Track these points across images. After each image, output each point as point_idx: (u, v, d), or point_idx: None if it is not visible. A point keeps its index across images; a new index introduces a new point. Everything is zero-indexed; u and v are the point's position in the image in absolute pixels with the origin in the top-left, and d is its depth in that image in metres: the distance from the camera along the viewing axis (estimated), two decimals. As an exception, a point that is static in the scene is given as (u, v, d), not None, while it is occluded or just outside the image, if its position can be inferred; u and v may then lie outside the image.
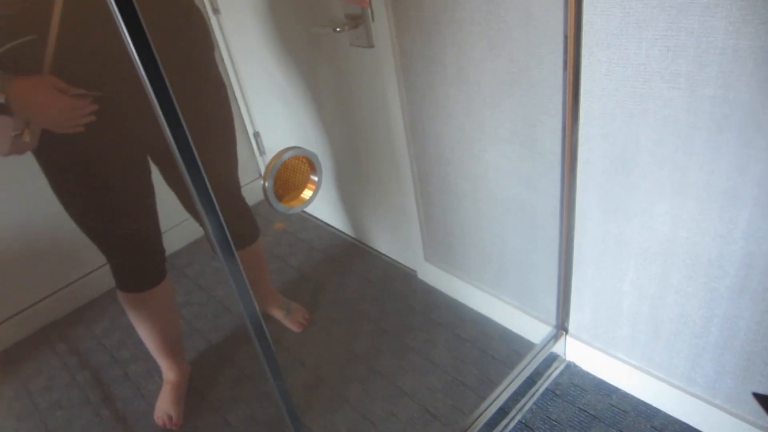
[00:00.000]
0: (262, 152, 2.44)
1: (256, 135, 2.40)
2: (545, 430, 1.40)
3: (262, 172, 2.53)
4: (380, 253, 2.13)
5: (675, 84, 0.98)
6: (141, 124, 1.21)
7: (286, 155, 0.87)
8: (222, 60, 2.21)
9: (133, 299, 1.44)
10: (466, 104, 1.37)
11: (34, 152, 1.16)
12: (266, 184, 0.87)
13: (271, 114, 2.22)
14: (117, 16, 0.56)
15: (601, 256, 1.31)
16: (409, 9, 1.35)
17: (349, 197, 2.11)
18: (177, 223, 2.20)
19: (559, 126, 1.20)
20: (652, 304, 1.27)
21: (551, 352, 1.58)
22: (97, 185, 1.24)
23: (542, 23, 1.11)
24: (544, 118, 1.23)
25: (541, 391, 1.51)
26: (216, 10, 2.10)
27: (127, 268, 1.39)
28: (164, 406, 1.60)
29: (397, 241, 2.00)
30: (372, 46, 1.52)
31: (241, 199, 1.54)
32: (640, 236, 1.20)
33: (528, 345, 1.64)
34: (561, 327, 1.55)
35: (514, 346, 1.65)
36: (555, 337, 1.56)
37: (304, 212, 2.44)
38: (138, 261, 1.40)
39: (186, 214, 1.41)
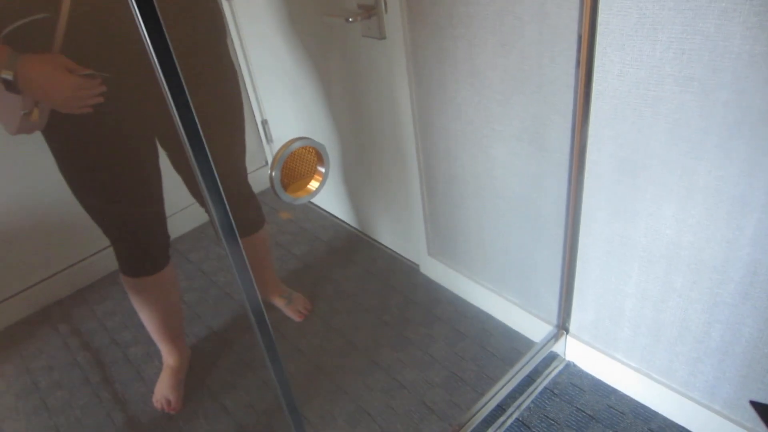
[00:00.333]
0: (269, 140, 2.44)
1: (264, 123, 2.39)
2: (542, 429, 1.40)
3: (269, 160, 2.53)
4: (384, 245, 2.13)
5: (688, 87, 0.98)
6: (151, 108, 1.20)
7: (295, 145, 0.87)
8: (233, 46, 2.20)
9: (136, 284, 1.45)
10: (476, 100, 1.36)
11: (43, 132, 1.17)
12: (273, 174, 0.87)
13: (279, 102, 2.22)
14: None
15: (605, 257, 1.31)
16: (422, 2, 1.34)
17: (355, 188, 2.11)
18: (182, 208, 2.21)
19: (569, 125, 1.20)
20: (654, 307, 1.27)
21: (551, 351, 1.58)
22: (104, 168, 1.24)
23: (556, 21, 1.11)
24: (554, 116, 1.22)
25: (539, 389, 1.51)
26: (228, -4, 2.09)
27: (130, 252, 1.40)
28: (163, 391, 1.61)
29: (401, 234, 2.00)
30: (384, 38, 1.51)
31: (248, 186, 1.55)
32: (645, 239, 1.20)
33: (528, 343, 1.64)
34: (562, 326, 1.55)
35: (514, 344, 1.65)
36: (555, 337, 1.56)
37: (310, 202, 2.44)
38: (142, 246, 1.40)
39: (191, 199, 1.41)
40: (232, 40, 2.20)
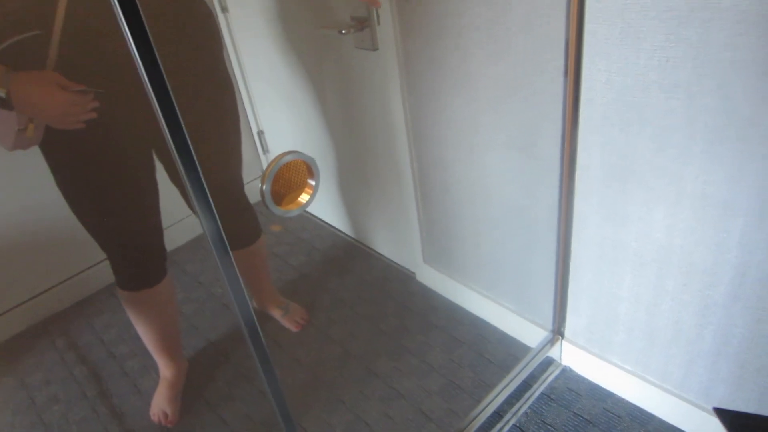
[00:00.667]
0: (265, 151, 2.46)
1: (260, 133, 2.41)
2: (539, 434, 1.41)
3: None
4: (380, 254, 2.14)
5: (673, 94, 1.00)
6: (146, 121, 1.22)
7: (285, 159, 0.89)
8: (228, 58, 2.22)
9: (133, 298, 1.45)
10: (468, 109, 1.38)
11: (41, 147, 1.18)
12: (264, 188, 0.88)
13: (275, 113, 2.24)
14: (119, 15, 0.56)
15: (597, 261, 1.33)
16: (413, 14, 1.36)
17: (351, 197, 2.13)
18: (179, 219, 2.22)
19: (559, 132, 1.22)
20: (647, 310, 1.28)
21: (547, 356, 1.59)
22: (101, 182, 1.25)
23: (544, 31, 1.13)
24: (544, 124, 1.24)
25: (536, 395, 1.52)
26: (225, 9, 2.12)
27: (127, 266, 1.40)
28: (160, 404, 1.61)
29: (397, 242, 2.01)
30: (376, 49, 1.53)
31: (244, 197, 1.56)
32: (636, 243, 1.22)
33: (524, 349, 1.65)
34: (557, 332, 1.56)
35: (510, 350, 1.66)
36: (551, 342, 1.57)
37: (306, 212, 2.45)
38: (139, 260, 1.41)
39: (188, 211, 1.43)
40: (227, 51, 2.22)
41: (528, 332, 1.63)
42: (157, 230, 1.41)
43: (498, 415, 1.47)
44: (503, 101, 1.29)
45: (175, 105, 0.66)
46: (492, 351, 1.67)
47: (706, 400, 1.29)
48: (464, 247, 1.69)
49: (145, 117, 1.21)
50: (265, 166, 2.52)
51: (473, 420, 1.44)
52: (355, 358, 1.72)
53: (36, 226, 1.95)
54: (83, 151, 1.20)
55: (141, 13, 0.58)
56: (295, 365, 1.73)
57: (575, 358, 1.55)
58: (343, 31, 1.50)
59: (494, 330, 1.74)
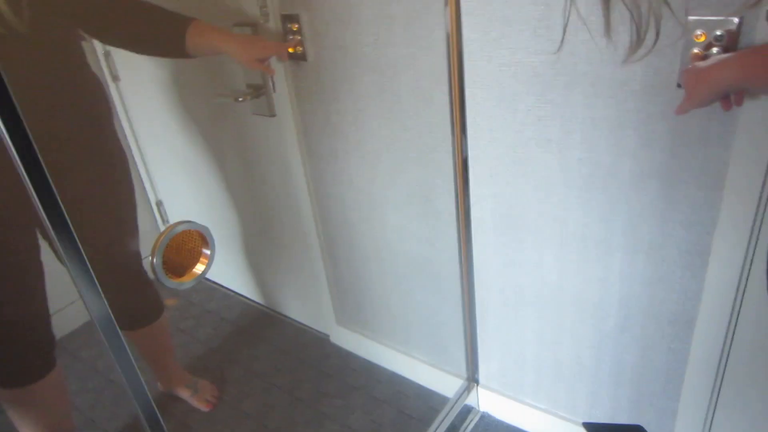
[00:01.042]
0: (165, 221, 2.38)
1: (159, 204, 2.33)
2: (463, 485, 1.42)
3: (165, 244, 2.44)
4: (292, 319, 2.11)
5: (547, 149, 1.10)
6: (26, 199, 1.15)
7: (176, 230, 0.87)
8: (121, 127, 2.16)
9: (16, 395, 1.30)
10: (367, 169, 1.44)
11: None
12: (154, 261, 0.86)
13: (174, 182, 2.18)
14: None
15: (501, 307, 1.39)
16: (308, 81, 1.42)
17: (258, 264, 2.09)
18: (72, 301, 2.06)
19: (452, 188, 1.29)
20: (551, 348, 1.36)
21: (465, 405, 1.61)
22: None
23: (430, 96, 1.22)
24: (438, 180, 1.31)
25: (457, 445, 1.53)
26: (116, 77, 2.07)
27: (8, 360, 1.26)
28: None
29: (308, 306, 2.00)
30: (274, 115, 1.57)
31: (142, 273, 1.49)
32: (533, 286, 1.30)
33: (442, 400, 1.67)
34: (472, 379, 1.60)
35: (429, 403, 1.67)
36: (467, 389, 1.60)
37: (211, 281, 2.37)
38: (22, 351, 1.28)
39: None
40: (120, 121, 2.16)
41: (444, 383, 1.66)
42: (43, 317, 1.29)
43: (422, 470, 1.46)
44: (398, 161, 1.36)
45: (49, 178, 0.63)
46: (412, 406, 1.67)
47: (611, 429, 1.37)
48: (375, 305, 1.71)
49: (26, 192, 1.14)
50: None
51: (398, 479, 1.42)
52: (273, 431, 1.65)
53: None
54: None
55: (6, 85, 0.56)
56: (209, 446, 1.63)
57: (492, 402, 1.59)
58: (240, 99, 1.52)
59: (412, 384, 1.75)
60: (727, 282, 1.01)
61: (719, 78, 0.77)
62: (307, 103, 1.46)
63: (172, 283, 0.89)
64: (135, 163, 2.24)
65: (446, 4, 1.10)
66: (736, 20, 0.84)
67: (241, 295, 2.29)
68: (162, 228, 2.37)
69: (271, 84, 1.51)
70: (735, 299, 1.02)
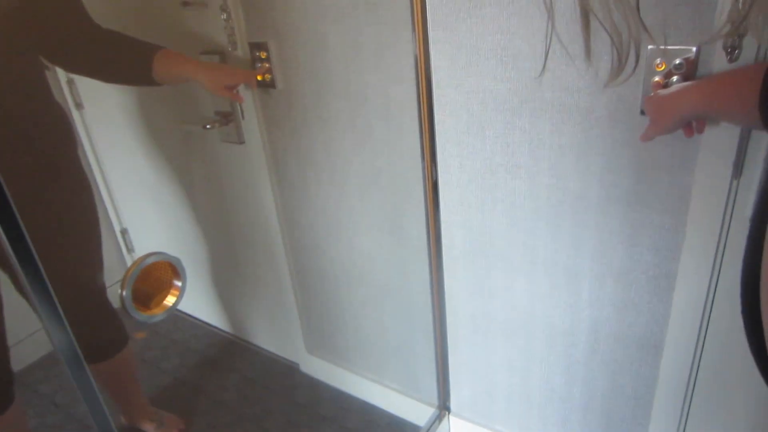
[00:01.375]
0: (130, 250, 2.31)
1: (124, 232, 2.28)
2: None
3: (130, 272, 2.38)
4: (260, 348, 2.06)
5: (516, 175, 1.11)
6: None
7: (147, 261, 0.85)
8: (85, 155, 2.11)
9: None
10: (337, 195, 1.43)
11: None
12: (124, 293, 0.83)
13: (140, 210, 2.13)
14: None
15: (472, 334, 1.39)
16: (278, 108, 1.41)
17: (226, 293, 2.05)
18: (30, 334, 1.98)
19: (423, 214, 1.29)
20: (521, 375, 1.35)
21: (437, 434, 1.59)
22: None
23: (400, 122, 1.22)
24: (408, 207, 1.31)
25: (429, 476, 1.50)
26: (79, 105, 2.03)
27: None
28: None
29: (278, 334, 1.95)
30: (243, 143, 1.55)
31: (106, 303, 1.43)
32: (503, 312, 1.30)
33: (414, 429, 1.64)
34: (443, 407, 1.58)
35: (400, 432, 1.65)
36: (439, 418, 1.58)
37: (178, 310, 2.31)
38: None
39: (39, 324, 1.28)
40: (84, 149, 2.11)
41: (416, 411, 1.63)
42: (1, 351, 1.24)
43: (394, 504, 1.43)
44: (369, 187, 1.35)
45: (15, 211, 0.61)
46: (383, 436, 1.64)
47: (584, 456, 1.36)
48: (346, 332, 1.69)
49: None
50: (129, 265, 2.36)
51: None
52: (240, 466, 1.60)
53: None
54: None
55: None
56: (172, 484, 1.56)
57: (463, 430, 1.57)
58: (208, 126, 1.51)
59: (383, 413, 1.72)
60: (693, 306, 1.03)
61: (681, 106, 0.80)
62: (276, 131, 1.46)
63: (141, 316, 0.86)
64: (99, 191, 2.19)
65: (414, 32, 1.11)
66: (694, 49, 0.86)
67: (209, 324, 2.23)
68: (126, 257, 2.31)
69: (239, 111, 1.50)
70: (701, 323, 1.03)
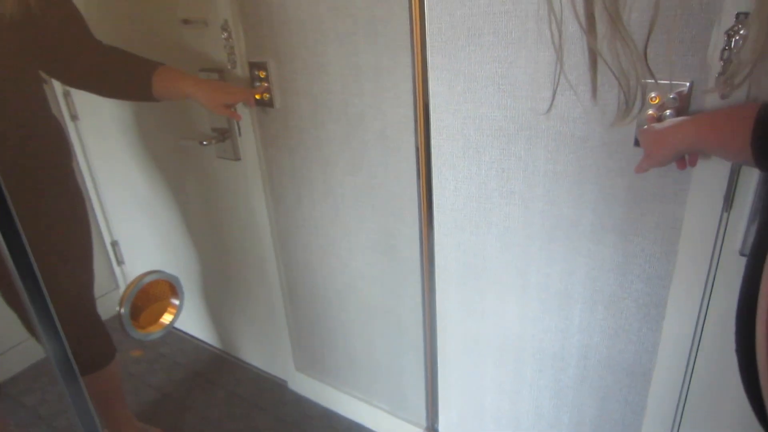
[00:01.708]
0: (120, 262, 2.30)
1: (114, 244, 2.26)
2: None
3: (120, 282, 2.36)
4: (249, 364, 2.05)
5: (511, 200, 1.13)
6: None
7: (146, 280, 0.85)
8: (78, 166, 2.10)
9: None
10: (332, 215, 1.43)
11: None
12: (122, 311, 0.83)
13: (131, 222, 2.13)
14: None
15: (462, 356, 1.39)
16: (275, 126, 1.42)
17: (216, 308, 2.04)
18: (13, 345, 1.96)
19: (417, 236, 1.30)
20: (510, 398, 1.35)
21: (425, 456, 1.58)
22: None
23: (396, 144, 1.23)
24: (402, 228, 1.32)
25: (417, 498, 1.49)
26: (74, 117, 2.03)
27: None
28: None
29: (267, 351, 1.94)
30: (238, 159, 1.56)
31: (95, 316, 1.43)
32: (494, 335, 1.30)
33: (402, 450, 1.63)
34: (431, 428, 1.57)
35: (388, 453, 1.64)
36: (427, 440, 1.57)
37: (166, 324, 2.29)
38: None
39: (23, 335, 1.28)
40: (77, 160, 2.11)
41: (404, 431, 1.63)
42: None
43: None
44: (363, 207, 1.36)
45: (18, 224, 0.61)
46: (370, 456, 1.63)
47: (571, 481, 1.36)
48: (336, 351, 1.68)
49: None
50: (119, 277, 2.35)
51: None
52: (226, 484, 1.58)
53: None
54: None
55: None
56: (156, 502, 1.54)
57: (451, 453, 1.56)
58: (204, 143, 1.51)
59: (371, 433, 1.71)
60: (682, 335, 1.04)
61: (677, 141, 0.82)
62: (273, 149, 1.46)
63: (138, 334, 0.86)
64: (90, 202, 2.18)
65: (413, 58, 1.13)
66: (687, 84, 0.89)
67: (197, 339, 2.21)
68: (116, 269, 2.30)
69: (236, 128, 1.51)
70: (690, 353, 1.04)
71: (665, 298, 1.04)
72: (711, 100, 0.87)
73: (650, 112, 0.92)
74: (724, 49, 0.84)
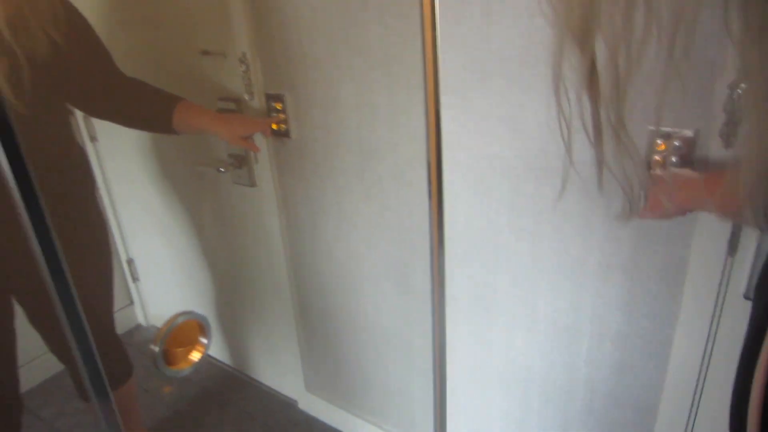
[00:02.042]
0: (135, 279, 2.35)
1: (130, 262, 2.31)
2: None
3: (134, 299, 2.41)
4: (260, 383, 2.08)
5: (521, 236, 1.16)
6: (5, 265, 1.15)
7: (179, 320, 0.89)
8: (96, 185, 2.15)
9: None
10: (345, 243, 1.47)
11: None
12: (156, 350, 0.87)
13: (148, 241, 2.17)
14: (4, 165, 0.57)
15: (470, 384, 1.41)
16: (291, 156, 1.46)
17: (229, 326, 2.07)
18: (32, 359, 2.00)
19: (428, 266, 1.33)
20: (517, 428, 1.37)
21: (432, 480, 1.60)
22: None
23: (409, 179, 1.27)
24: (414, 259, 1.35)
25: None
26: (93, 138, 2.09)
27: None
28: None
29: (278, 370, 1.97)
30: (254, 186, 1.60)
31: (115, 335, 1.47)
32: (503, 366, 1.32)
33: (410, 474, 1.65)
34: (440, 453, 1.59)
35: (396, 476, 1.65)
36: (435, 464, 1.59)
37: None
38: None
39: (42, 349, 1.32)
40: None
41: (412, 456, 1.65)
42: (13, 383, 1.27)
43: None
44: (376, 237, 1.39)
45: (56, 243, 0.65)
46: (379, 479, 1.65)
47: None
48: (347, 373, 1.71)
49: (4, 261, 1.14)
50: (134, 293, 2.39)
51: None
52: (236, 504, 1.60)
53: None
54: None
55: (24, 161, 0.58)
56: None
57: (459, 478, 1.58)
58: (222, 170, 1.55)
59: (380, 456, 1.73)
60: (687, 373, 1.06)
61: (687, 203, 0.84)
62: (288, 177, 1.50)
63: (170, 371, 0.90)
64: (107, 220, 2.23)
65: (426, 97, 1.16)
66: (691, 132, 0.91)
67: (210, 356, 2.25)
68: (131, 286, 2.34)
69: (253, 156, 1.55)
70: (695, 391, 1.06)
71: (671, 336, 1.06)
72: (715, 149, 0.90)
73: (656, 158, 0.95)
74: (727, 101, 0.87)
